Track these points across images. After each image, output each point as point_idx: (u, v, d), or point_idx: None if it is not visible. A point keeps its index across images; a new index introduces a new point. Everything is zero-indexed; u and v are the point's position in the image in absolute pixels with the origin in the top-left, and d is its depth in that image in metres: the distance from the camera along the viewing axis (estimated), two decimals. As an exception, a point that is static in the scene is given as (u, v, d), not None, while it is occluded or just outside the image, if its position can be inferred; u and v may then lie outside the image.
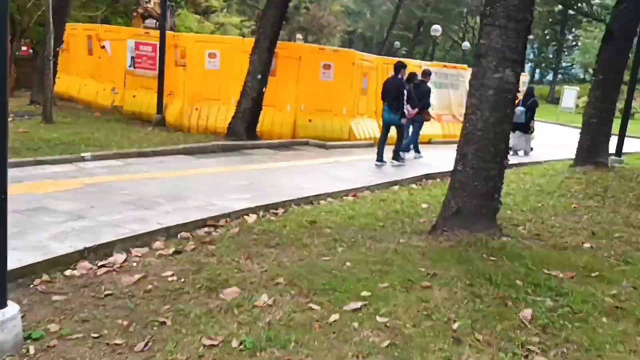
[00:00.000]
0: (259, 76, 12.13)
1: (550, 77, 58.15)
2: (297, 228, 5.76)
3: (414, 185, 9.11)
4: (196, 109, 13.42)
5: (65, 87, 17.32)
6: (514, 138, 15.30)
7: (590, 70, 49.83)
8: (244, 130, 12.26)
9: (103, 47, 15.27)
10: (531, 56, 60.50)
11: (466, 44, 42.67)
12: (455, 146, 5.85)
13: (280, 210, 6.66)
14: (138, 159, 9.39)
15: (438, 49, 56.25)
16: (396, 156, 10.91)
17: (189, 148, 10.51)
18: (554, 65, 54.42)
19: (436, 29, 26.53)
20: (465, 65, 17.61)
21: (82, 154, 8.89)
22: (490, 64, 5.48)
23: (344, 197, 7.67)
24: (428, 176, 9.97)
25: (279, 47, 12.68)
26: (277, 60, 12.98)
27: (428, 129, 16.17)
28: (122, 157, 9.29)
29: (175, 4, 31.08)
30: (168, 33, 14.14)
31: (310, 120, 13.43)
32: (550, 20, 54.11)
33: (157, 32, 13.97)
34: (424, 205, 7.12)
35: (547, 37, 55.52)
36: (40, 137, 10.50)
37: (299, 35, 37.99)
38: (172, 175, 8.34)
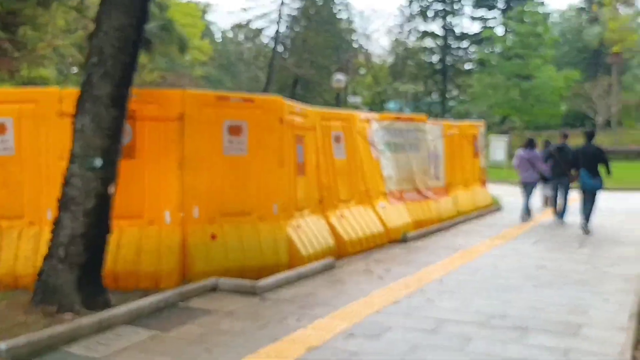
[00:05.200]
0: (97, 162, 5.48)
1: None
2: None
3: None
4: None
5: None
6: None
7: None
8: (73, 284, 5.43)
9: None
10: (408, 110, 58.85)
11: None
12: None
13: None
14: None
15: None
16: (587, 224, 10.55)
17: None
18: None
19: (340, 79, 21.41)
20: (424, 116, 12.15)
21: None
22: None
23: None
24: None
25: (136, 99, 6.12)
26: (135, 126, 6.43)
27: (392, 215, 10.31)
28: None
29: None
30: None
31: (213, 237, 6.86)
32: (430, 70, 52.71)
33: None
34: None
35: (427, 88, 53.88)
36: None
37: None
38: None
